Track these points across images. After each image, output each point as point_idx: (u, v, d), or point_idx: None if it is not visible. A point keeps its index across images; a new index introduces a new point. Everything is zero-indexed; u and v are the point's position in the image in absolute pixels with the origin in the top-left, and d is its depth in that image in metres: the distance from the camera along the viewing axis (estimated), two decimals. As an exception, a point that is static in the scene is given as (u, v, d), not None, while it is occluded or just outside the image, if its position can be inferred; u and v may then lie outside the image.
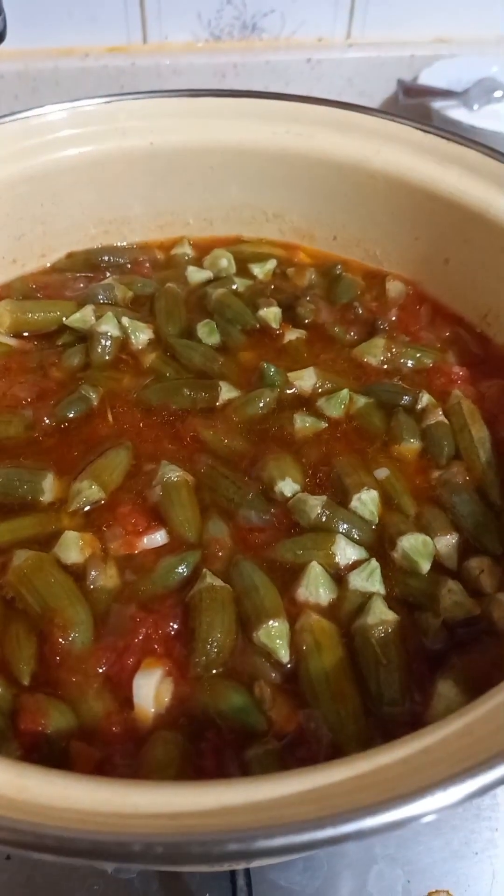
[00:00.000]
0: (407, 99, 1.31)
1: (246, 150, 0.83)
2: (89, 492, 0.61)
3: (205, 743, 0.49)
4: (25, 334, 0.77)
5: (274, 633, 0.53)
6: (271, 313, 0.78)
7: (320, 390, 0.72)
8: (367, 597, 0.56)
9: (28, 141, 0.77)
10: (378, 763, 0.36)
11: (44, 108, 0.77)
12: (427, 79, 1.33)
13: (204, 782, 0.36)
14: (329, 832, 0.30)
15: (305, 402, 0.71)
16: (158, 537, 0.60)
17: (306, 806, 0.33)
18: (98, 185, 0.82)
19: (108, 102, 0.80)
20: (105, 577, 0.57)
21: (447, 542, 0.60)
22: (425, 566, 0.57)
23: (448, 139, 0.75)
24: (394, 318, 0.80)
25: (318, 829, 0.30)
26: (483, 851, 0.64)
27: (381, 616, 0.54)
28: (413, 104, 1.31)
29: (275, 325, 0.78)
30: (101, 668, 0.52)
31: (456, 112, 1.26)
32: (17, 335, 0.77)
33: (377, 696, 0.51)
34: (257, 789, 0.35)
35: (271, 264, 0.87)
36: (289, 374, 0.72)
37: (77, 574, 0.57)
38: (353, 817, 0.31)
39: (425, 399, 0.70)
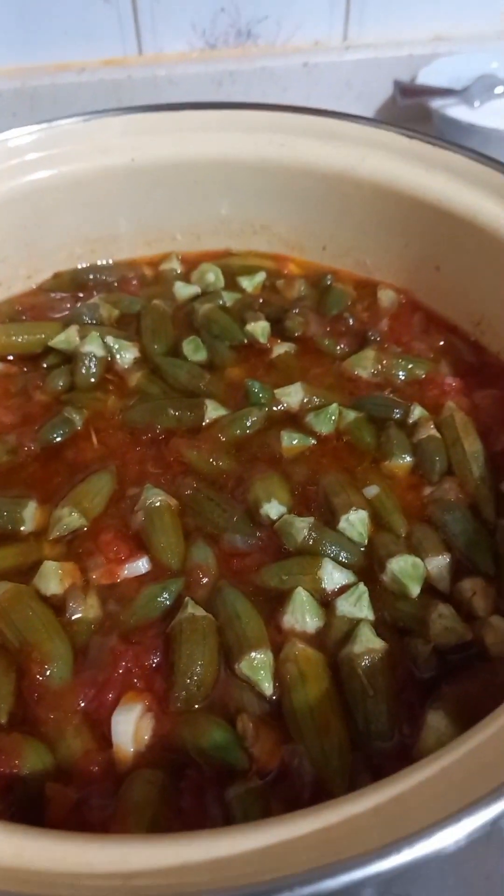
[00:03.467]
0: (405, 99, 1.29)
1: (229, 162, 0.81)
2: (69, 519, 0.60)
3: (184, 782, 0.47)
4: (10, 358, 0.77)
5: (257, 665, 0.51)
6: (259, 327, 0.77)
7: (309, 406, 0.70)
8: (355, 623, 0.53)
9: (6, 163, 0.76)
10: (346, 814, 0.34)
11: (20, 128, 0.76)
12: (426, 78, 1.30)
13: (164, 837, 0.34)
14: (287, 896, 0.29)
15: (293, 419, 0.70)
16: (141, 565, 0.58)
17: (265, 863, 0.31)
18: (81, 205, 0.81)
19: (87, 120, 0.79)
20: (86, 608, 0.55)
21: (439, 562, 0.57)
22: (415, 589, 0.55)
23: (433, 144, 0.72)
24: (385, 328, 0.78)
25: (274, 892, 0.29)
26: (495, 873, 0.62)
27: (368, 644, 0.52)
28: (411, 104, 1.28)
29: (262, 340, 0.76)
30: (79, 703, 0.51)
31: (456, 110, 1.23)
32: (3, 359, 0.76)
33: (364, 730, 0.49)
34: (217, 844, 0.33)
35: (260, 277, 0.85)
36: (276, 391, 0.70)
37: (57, 606, 0.56)
38: (312, 878, 0.29)
39: (417, 412, 0.68)
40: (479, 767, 0.36)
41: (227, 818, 0.46)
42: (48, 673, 0.51)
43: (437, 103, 1.24)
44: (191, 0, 1.25)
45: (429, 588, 0.56)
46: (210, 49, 1.33)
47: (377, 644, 0.52)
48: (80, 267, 0.86)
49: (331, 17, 1.33)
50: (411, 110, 1.30)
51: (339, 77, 1.36)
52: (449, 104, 1.24)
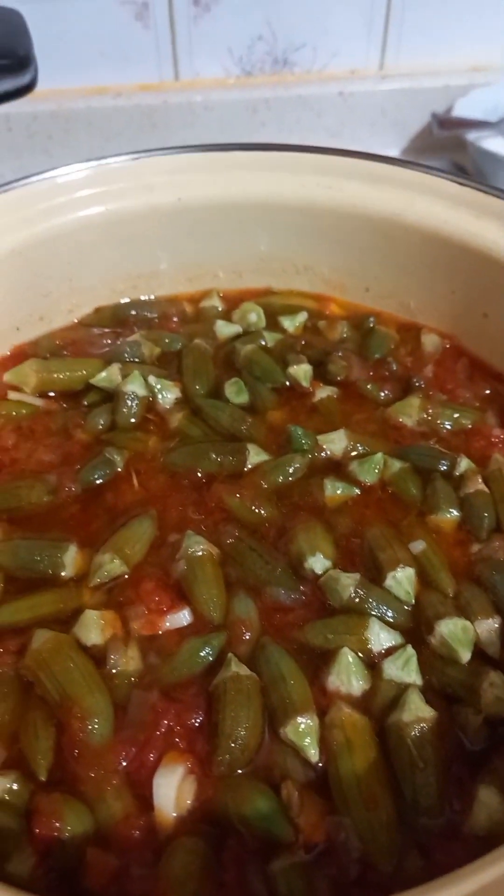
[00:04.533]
0: (441, 131, 1.29)
1: (274, 203, 0.81)
2: (111, 566, 0.59)
3: (226, 852, 0.46)
4: (51, 394, 0.76)
5: (303, 731, 0.50)
6: (301, 370, 0.76)
7: (353, 454, 0.69)
8: (403, 689, 0.52)
9: (54, 200, 0.76)
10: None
11: (70, 166, 0.76)
12: (462, 109, 1.30)
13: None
14: None
15: (337, 467, 0.69)
16: (182, 617, 0.57)
17: None
18: (125, 242, 0.81)
19: (136, 159, 0.79)
20: (126, 660, 0.54)
21: (488, 626, 0.56)
22: (465, 655, 0.54)
23: (484, 192, 0.72)
24: (430, 375, 0.77)
25: None
26: None
27: (417, 713, 0.50)
28: (448, 136, 1.28)
29: (305, 384, 0.76)
30: (121, 763, 0.50)
31: (491, 142, 1.23)
32: (43, 395, 0.76)
33: (413, 804, 0.47)
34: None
35: (302, 317, 0.84)
36: (319, 437, 0.69)
37: (97, 657, 0.55)
38: None
39: (464, 464, 0.67)
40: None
41: (271, 894, 0.44)
42: (89, 729, 0.50)
43: (472, 135, 1.25)
44: (228, 27, 1.27)
45: (478, 653, 0.55)
46: (246, 76, 1.34)
47: (427, 713, 0.50)
48: (121, 302, 0.86)
49: (367, 45, 1.34)
50: (447, 140, 1.30)
51: (375, 106, 1.36)
52: (484, 136, 1.24)
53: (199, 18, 1.23)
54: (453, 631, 0.54)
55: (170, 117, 1.30)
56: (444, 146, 1.33)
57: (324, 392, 0.75)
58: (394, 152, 1.39)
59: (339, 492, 0.65)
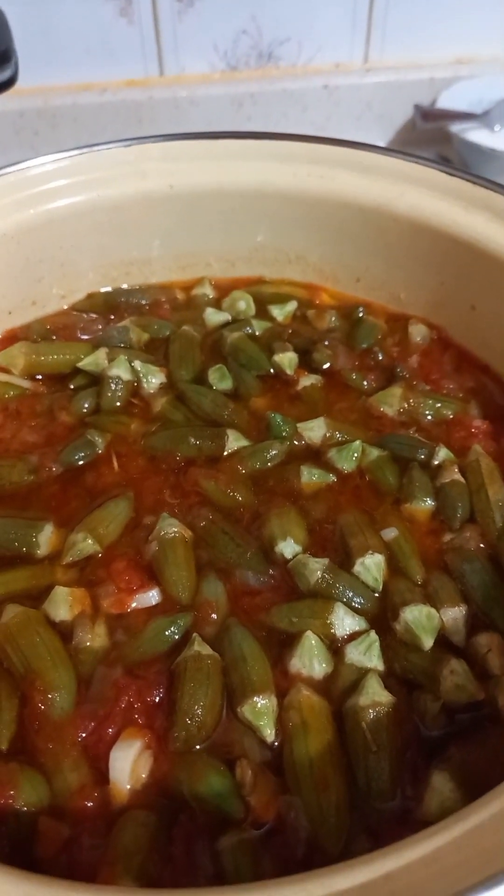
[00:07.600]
0: (424, 123, 1.27)
1: (267, 192, 0.81)
2: (84, 545, 0.60)
3: (177, 828, 0.46)
4: (38, 377, 0.77)
5: (259, 710, 0.50)
6: (286, 358, 0.76)
7: (331, 441, 0.69)
8: (363, 673, 0.52)
9: (46, 185, 0.77)
10: (332, 888, 0.32)
11: (63, 152, 0.77)
12: (446, 101, 1.29)
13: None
14: None
15: (315, 454, 0.69)
16: (151, 596, 0.58)
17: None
18: (118, 228, 0.82)
19: (128, 146, 0.80)
20: (93, 637, 0.55)
21: (454, 614, 0.56)
22: (428, 642, 0.54)
23: (474, 183, 0.71)
24: (415, 365, 0.77)
25: None
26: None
27: (374, 697, 0.50)
28: (431, 128, 1.27)
29: (289, 371, 0.76)
30: (79, 736, 0.50)
31: (476, 134, 1.22)
32: (31, 377, 0.77)
33: (364, 788, 0.47)
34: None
35: (291, 306, 0.84)
36: (298, 425, 0.69)
37: (65, 632, 0.55)
38: None
39: (442, 454, 0.67)
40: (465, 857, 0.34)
41: (217, 870, 0.45)
42: (50, 702, 0.51)
43: (456, 127, 1.24)
44: (213, 22, 1.26)
45: (443, 640, 0.55)
46: (231, 70, 1.34)
47: (384, 697, 0.50)
48: (113, 288, 0.87)
49: (352, 39, 1.33)
50: (431, 133, 1.29)
51: (360, 99, 1.36)
52: (469, 128, 1.24)
53: (183, 14, 1.23)
54: (418, 618, 0.54)
55: (156, 112, 1.29)
56: (430, 139, 1.32)
57: (308, 380, 0.75)
58: (379, 145, 1.38)
59: (315, 478, 0.66)
